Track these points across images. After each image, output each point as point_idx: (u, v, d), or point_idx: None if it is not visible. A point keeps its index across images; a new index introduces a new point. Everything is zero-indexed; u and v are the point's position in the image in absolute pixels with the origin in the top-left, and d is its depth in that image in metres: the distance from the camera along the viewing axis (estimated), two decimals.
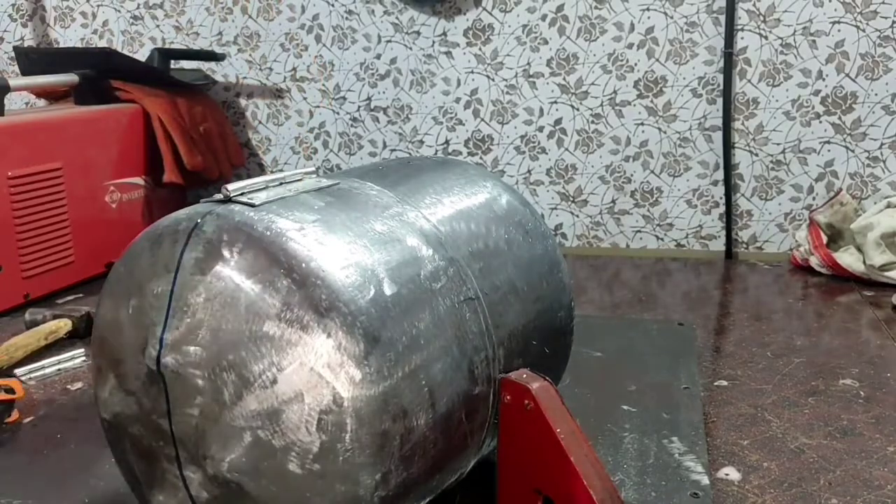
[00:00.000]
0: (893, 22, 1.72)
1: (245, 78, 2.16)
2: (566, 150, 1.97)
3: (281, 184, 0.74)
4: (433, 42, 2.00)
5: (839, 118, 1.79)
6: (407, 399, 0.64)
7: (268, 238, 0.64)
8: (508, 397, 0.76)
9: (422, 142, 2.06)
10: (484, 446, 0.80)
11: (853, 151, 1.79)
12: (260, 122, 2.18)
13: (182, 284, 0.66)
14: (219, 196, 0.70)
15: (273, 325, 0.62)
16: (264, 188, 0.72)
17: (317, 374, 0.61)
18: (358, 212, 0.72)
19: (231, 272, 0.64)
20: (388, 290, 0.66)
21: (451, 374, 0.69)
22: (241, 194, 0.70)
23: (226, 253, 0.64)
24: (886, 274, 1.62)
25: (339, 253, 0.65)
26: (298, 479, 0.62)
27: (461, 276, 0.74)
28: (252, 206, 0.68)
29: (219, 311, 0.64)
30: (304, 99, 2.13)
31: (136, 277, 0.69)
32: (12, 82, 1.72)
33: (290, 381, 0.62)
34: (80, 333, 1.42)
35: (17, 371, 1.28)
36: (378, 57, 2.05)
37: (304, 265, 0.63)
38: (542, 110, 1.96)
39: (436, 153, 2.06)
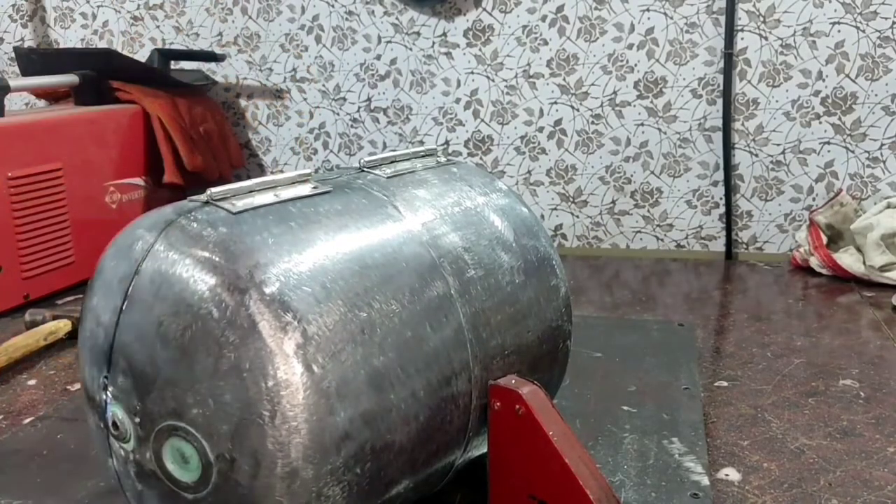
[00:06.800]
0: (893, 22, 1.72)
1: (245, 78, 2.16)
2: (566, 150, 1.97)
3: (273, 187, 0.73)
4: (433, 43, 2.00)
5: (839, 119, 1.79)
6: (352, 394, 0.63)
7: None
8: (498, 404, 0.74)
9: (422, 142, 2.06)
10: (458, 459, 0.78)
11: (853, 152, 1.79)
12: (260, 123, 2.18)
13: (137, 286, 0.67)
14: (203, 197, 0.70)
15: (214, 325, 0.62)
16: (249, 193, 0.71)
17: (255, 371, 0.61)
18: (341, 220, 0.71)
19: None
20: (343, 302, 0.65)
21: (416, 375, 0.68)
22: (224, 199, 0.69)
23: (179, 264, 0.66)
24: (886, 274, 1.62)
25: (298, 266, 0.65)
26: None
27: (440, 273, 0.73)
28: (230, 213, 0.67)
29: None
30: (305, 100, 2.13)
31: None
32: (12, 83, 1.72)
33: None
34: None
35: None
36: (378, 58, 2.05)
37: (249, 280, 0.62)
38: (542, 111, 1.96)
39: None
